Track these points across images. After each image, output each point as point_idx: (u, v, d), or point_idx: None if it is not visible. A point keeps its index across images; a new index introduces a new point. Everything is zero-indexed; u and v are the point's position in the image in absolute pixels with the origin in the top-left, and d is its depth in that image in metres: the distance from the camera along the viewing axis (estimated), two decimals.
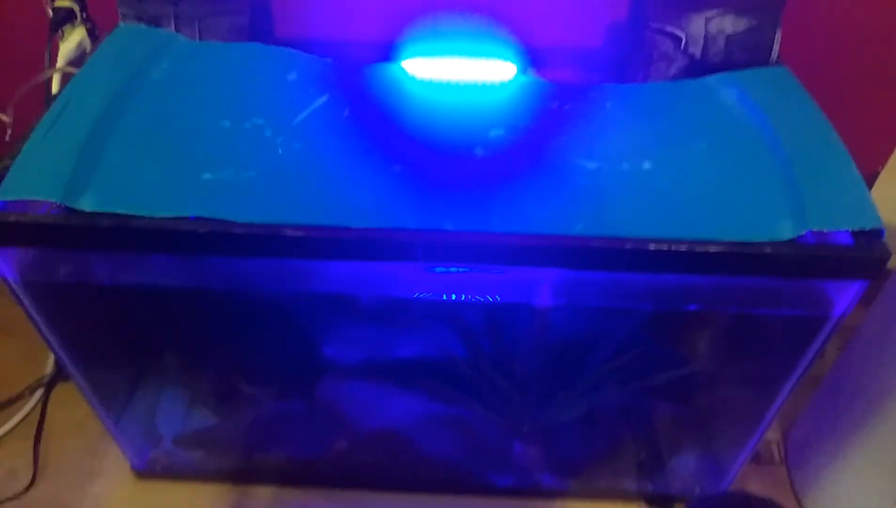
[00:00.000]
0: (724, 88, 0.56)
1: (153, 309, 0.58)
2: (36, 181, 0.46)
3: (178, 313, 0.58)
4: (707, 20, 0.59)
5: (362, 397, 0.64)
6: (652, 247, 0.44)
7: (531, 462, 0.68)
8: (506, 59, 0.61)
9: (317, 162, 0.50)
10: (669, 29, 0.59)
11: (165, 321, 0.60)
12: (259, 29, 0.63)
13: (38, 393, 0.80)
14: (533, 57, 0.65)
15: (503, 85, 0.58)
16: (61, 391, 0.81)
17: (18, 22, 0.76)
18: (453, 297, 0.50)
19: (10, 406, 0.80)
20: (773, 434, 0.75)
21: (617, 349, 0.58)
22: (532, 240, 0.45)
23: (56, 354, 0.59)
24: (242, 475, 0.71)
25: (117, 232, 0.45)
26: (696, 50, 0.59)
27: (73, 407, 0.79)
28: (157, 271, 0.50)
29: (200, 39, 0.60)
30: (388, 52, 0.61)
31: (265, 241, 0.45)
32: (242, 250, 0.46)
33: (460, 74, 0.58)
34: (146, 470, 0.72)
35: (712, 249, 0.44)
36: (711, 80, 0.57)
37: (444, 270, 0.47)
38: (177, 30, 0.60)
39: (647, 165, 0.50)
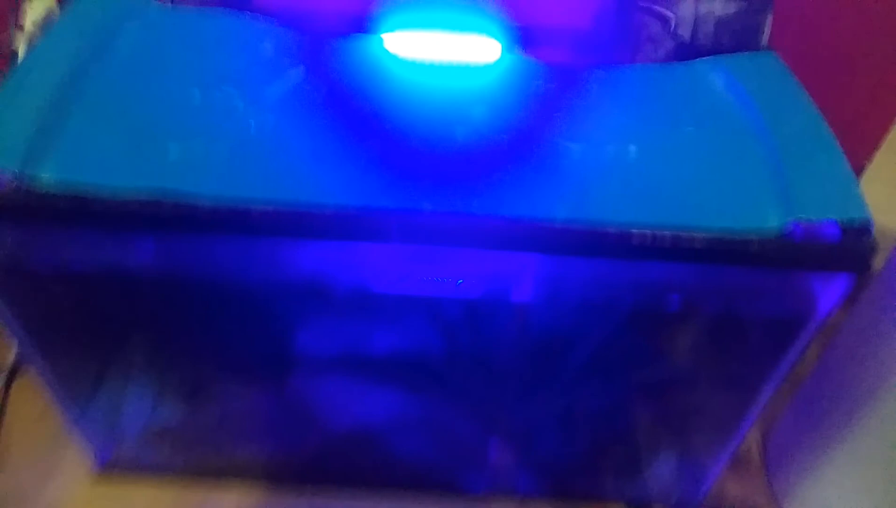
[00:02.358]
0: (713, 73, 0.55)
1: (120, 296, 0.55)
2: None
3: (146, 302, 0.56)
4: (697, 2, 0.57)
5: (336, 392, 0.63)
6: (636, 235, 0.43)
7: (507, 464, 0.66)
8: (491, 35, 0.59)
9: (290, 136, 0.47)
10: (658, 10, 0.58)
11: (133, 310, 0.58)
12: None
13: (1, 381, 0.78)
14: (519, 35, 0.63)
15: (487, 63, 0.56)
16: (24, 381, 0.78)
17: None
18: (431, 288, 0.48)
19: None
20: (752, 437, 0.74)
21: (597, 348, 0.57)
22: (513, 223, 0.43)
23: (16, 341, 0.56)
24: (209, 472, 0.69)
25: (76, 203, 0.42)
26: (685, 32, 0.58)
27: (36, 398, 0.75)
28: (123, 253, 0.48)
29: (173, 5, 0.58)
30: (369, 23, 0.58)
31: (232, 216, 0.43)
32: (208, 226, 0.44)
33: (443, 50, 0.56)
34: (109, 466, 0.70)
35: (697, 237, 0.43)
36: (699, 64, 0.56)
37: (422, 260, 0.46)
38: None
39: (632, 149, 0.49)
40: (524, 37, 0.63)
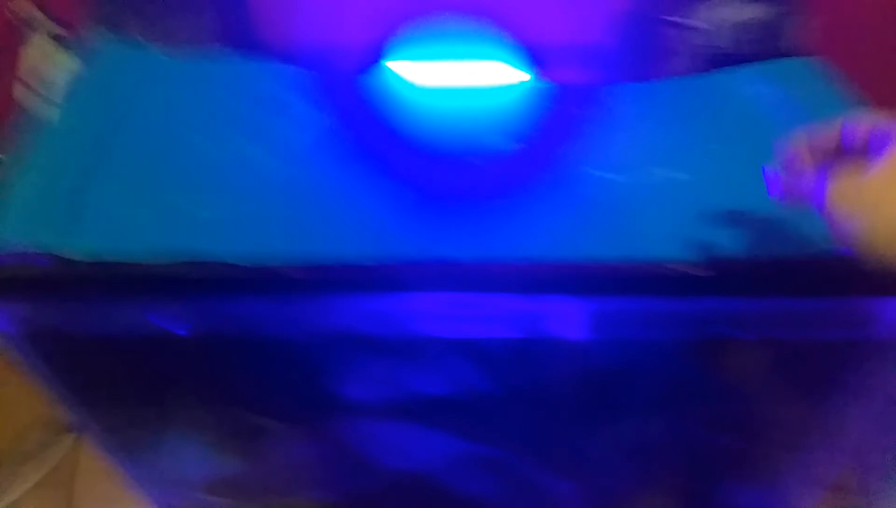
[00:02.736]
0: (750, 83, 0.52)
1: (166, 356, 0.52)
2: (26, 231, 0.41)
3: (192, 359, 0.53)
4: (726, 7, 0.54)
5: (389, 437, 0.60)
6: (690, 272, 0.40)
7: (570, 503, 0.63)
8: (507, 61, 0.56)
9: (314, 188, 0.45)
10: (682, 21, 0.55)
11: (180, 368, 0.55)
12: (234, 30, 0.57)
13: (69, 438, 0.76)
14: (536, 57, 0.60)
15: (509, 90, 0.53)
16: None
17: None
18: (475, 332, 0.45)
19: (44, 451, 0.76)
20: (849, 463, 0.69)
21: (661, 382, 0.53)
22: (557, 269, 0.40)
23: (67, 408, 0.54)
24: None
25: (113, 282, 0.41)
26: (715, 41, 0.55)
27: None
28: (164, 318, 0.45)
29: (169, 41, 0.55)
30: (379, 55, 0.55)
31: (266, 283, 0.41)
32: (244, 294, 0.41)
33: (461, 80, 0.53)
34: None
35: (757, 268, 0.39)
36: (737, 74, 0.53)
37: (462, 303, 0.43)
38: (143, 32, 0.55)
39: (672, 175, 0.46)
40: (540, 58, 0.60)
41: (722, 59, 0.54)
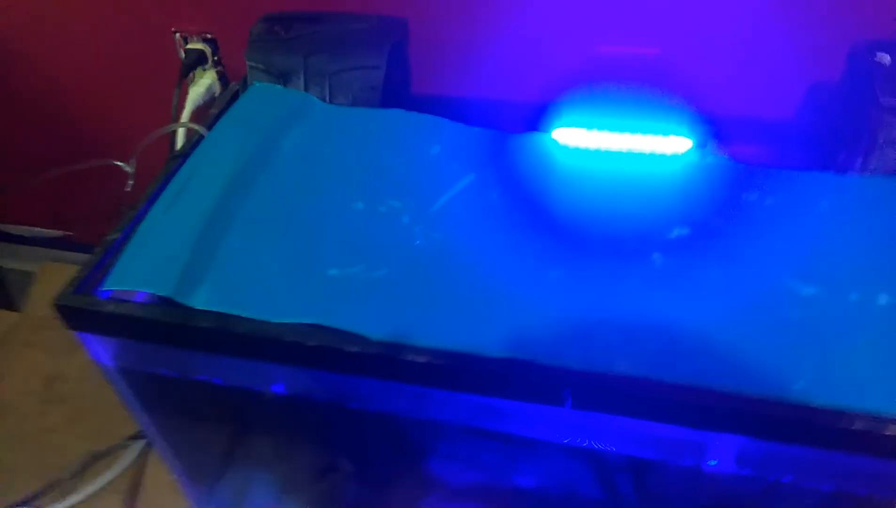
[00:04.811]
0: None
1: (251, 407, 0.51)
2: (148, 272, 0.40)
3: (276, 412, 0.51)
4: None
5: None
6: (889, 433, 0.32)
7: None
8: (683, 134, 0.51)
9: (457, 261, 0.41)
10: None
11: (262, 419, 0.54)
12: (395, 85, 0.56)
13: (138, 445, 0.77)
14: (713, 129, 0.54)
15: (685, 167, 0.47)
16: None
17: (150, 63, 0.74)
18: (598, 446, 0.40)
19: (108, 457, 0.77)
20: None
21: None
22: (731, 401, 0.33)
23: (144, 432, 0.54)
24: None
25: (222, 335, 0.38)
26: None
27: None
28: (260, 376, 0.43)
29: (330, 95, 0.54)
30: (538, 118, 0.52)
31: (384, 362, 0.37)
32: (357, 370, 0.38)
33: (627, 147, 0.48)
34: None
35: None
36: None
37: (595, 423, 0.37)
38: (306, 84, 0.54)
39: (883, 298, 0.38)
40: (720, 131, 0.54)
41: None
